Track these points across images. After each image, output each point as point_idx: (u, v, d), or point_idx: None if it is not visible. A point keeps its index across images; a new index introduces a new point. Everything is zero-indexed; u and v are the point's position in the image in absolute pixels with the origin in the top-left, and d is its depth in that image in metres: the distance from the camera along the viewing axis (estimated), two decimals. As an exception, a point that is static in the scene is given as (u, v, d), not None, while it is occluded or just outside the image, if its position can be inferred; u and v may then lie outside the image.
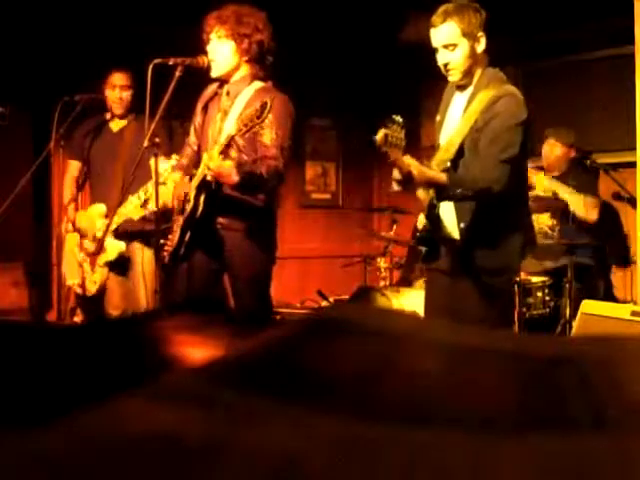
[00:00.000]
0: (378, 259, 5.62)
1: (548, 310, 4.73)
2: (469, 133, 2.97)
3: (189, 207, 3.33)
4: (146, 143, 3.26)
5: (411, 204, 6.00)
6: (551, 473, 0.39)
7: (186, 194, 3.36)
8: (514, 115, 2.93)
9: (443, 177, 2.90)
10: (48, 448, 0.40)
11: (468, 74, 3.04)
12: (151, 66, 3.25)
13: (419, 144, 6.46)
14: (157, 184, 3.28)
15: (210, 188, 3.28)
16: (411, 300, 4.66)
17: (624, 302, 4.86)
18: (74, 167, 4.46)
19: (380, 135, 2.63)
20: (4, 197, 4.00)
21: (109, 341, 0.74)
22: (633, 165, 4.18)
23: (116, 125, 4.36)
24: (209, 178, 3.23)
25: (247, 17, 3.34)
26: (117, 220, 3.96)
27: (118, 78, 4.27)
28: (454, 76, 3.05)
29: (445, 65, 3.04)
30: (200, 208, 3.29)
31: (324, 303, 5.50)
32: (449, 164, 3.01)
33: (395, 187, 2.88)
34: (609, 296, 5.06)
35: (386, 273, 5.50)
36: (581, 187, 4.92)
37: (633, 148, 4.06)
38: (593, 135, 5.56)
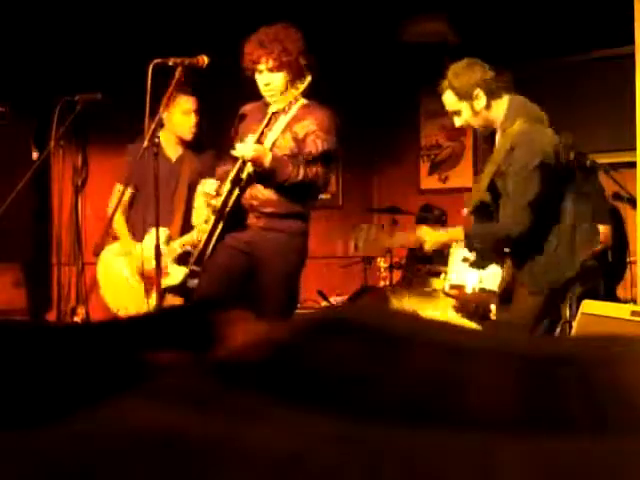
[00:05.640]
0: (378, 259, 5.62)
1: (548, 310, 4.72)
2: (495, 174, 3.02)
3: (219, 202, 3.38)
4: (146, 143, 3.26)
5: (410, 205, 6.01)
6: (551, 472, 0.39)
7: (218, 189, 3.41)
8: (528, 163, 2.94)
9: (460, 235, 3.02)
10: (48, 448, 0.40)
11: (489, 124, 3.08)
12: (151, 66, 3.25)
13: (418, 144, 6.47)
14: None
15: (243, 182, 3.36)
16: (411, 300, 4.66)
17: (624, 302, 4.86)
18: (119, 190, 4.28)
19: (352, 244, 2.95)
20: (4, 197, 4.00)
21: (114, 341, 0.74)
22: (633, 165, 4.18)
23: (172, 152, 4.28)
24: (248, 161, 3.30)
25: (289, 42, 3.39)
26: (182, 245, 4.01)
27: (190, 102, 4.13)
28: (481, 132, 3.18)
29: (465, 127, 3.16)
30: (231, 202, 3.36)
31: (324, 303, 5.50)
32: (479, 203, 3.08)
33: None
34: (610, 296, 5.05)
35: (386, 273, 5.51)
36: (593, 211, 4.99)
37: (633, 148, 4.06)
38: (593, 135, 5.56)
